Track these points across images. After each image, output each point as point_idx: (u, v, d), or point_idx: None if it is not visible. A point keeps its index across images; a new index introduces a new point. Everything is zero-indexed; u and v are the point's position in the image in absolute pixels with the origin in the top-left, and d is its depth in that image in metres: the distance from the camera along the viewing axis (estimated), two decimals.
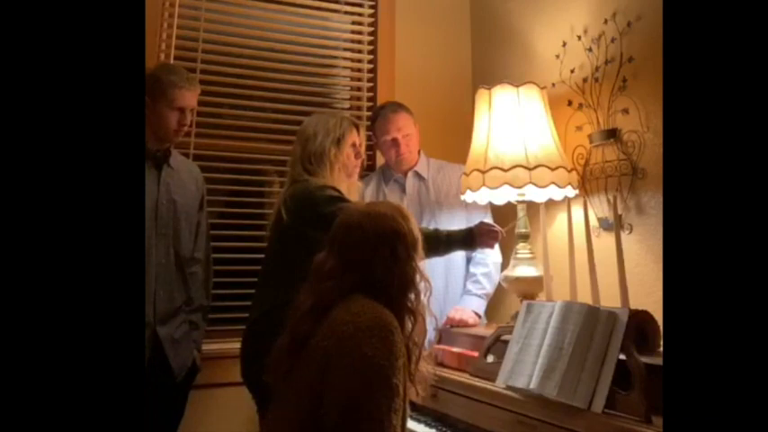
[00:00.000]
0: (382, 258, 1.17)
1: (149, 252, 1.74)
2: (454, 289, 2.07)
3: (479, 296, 2.03)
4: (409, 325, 1.17)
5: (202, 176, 1.99)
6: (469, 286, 2.05)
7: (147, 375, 1.57)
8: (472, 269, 2.08)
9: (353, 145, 1.88)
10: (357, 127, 1.90)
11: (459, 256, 2.05)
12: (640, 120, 1.78)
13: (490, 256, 2.06)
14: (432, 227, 1.97)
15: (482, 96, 1.94)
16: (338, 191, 1.75)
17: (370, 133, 2.22)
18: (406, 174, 2.16)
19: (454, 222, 2.05)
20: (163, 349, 1.73)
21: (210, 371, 1.98)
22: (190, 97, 1.83)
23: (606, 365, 1.23)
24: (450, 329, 1.87)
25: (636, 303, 1.48)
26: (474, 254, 2.07)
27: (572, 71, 2.04)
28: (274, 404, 1.19)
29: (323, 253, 1.24)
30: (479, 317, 1.99)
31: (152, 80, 1.77)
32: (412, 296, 1.19)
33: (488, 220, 2.10)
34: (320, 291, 1.18)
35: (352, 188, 1.91)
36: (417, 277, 1.20)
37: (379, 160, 2.37)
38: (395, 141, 2.08)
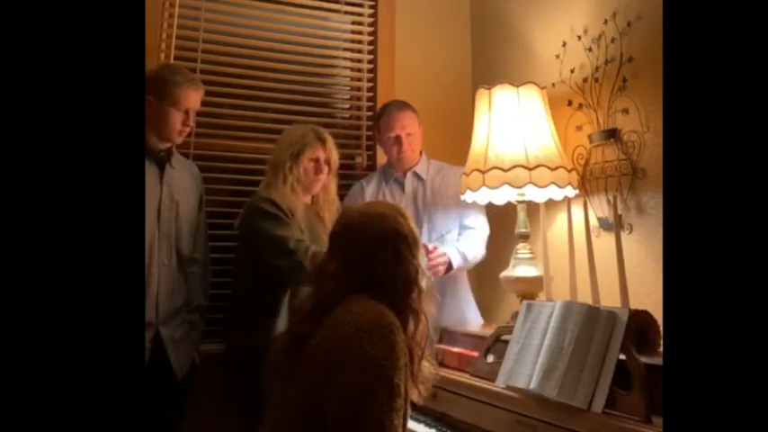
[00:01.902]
0: (384, 258, 1.17)
1: (152, 253, 1.74)
2: None
3: (462, 255, 1.98)
4: (412, 325, 1.17)
5: (201, 176, 2.00)
6: (456, 244, 2.02)
7: (148, 375, 1.56)
8: (462, 238, 2.06)
9: (316, 160, 1.89)
10: (324, 142, 1.91)
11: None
12: (640, 120, 1.78)
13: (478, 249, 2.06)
14: (427, 227, 2.02)
15: (482, 96, 1.94)
16: (277, 206, 1.78)
17: (371, 133, 2.22)
18: (406, 173, 2.16)
19: (449, 223, 2.07)
20: (164, 350, 1.73)
21: (210, 371, 1.98)
22: (195, 98, 1.83)
23: (606, 365, 1.23)
24: (451, 331, 1.88)
25: (636, 303, 1.48)
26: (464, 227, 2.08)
27: (572, 71, 2.04)
28: (274, 404, 1.19)
29: (324, 255, 1.25)
30: (450, 269, 1.95)
31: (157, 80, 1.77)
32: (414, 295, 1.19)
33: (482, 218, 2.10)
34: (321, 292, 1.18)
35: (327, 200, 1.96)
36: (419, 276, 1.21)
37: (380, 160, 2.37)
38: (398, 139, 2.09)
